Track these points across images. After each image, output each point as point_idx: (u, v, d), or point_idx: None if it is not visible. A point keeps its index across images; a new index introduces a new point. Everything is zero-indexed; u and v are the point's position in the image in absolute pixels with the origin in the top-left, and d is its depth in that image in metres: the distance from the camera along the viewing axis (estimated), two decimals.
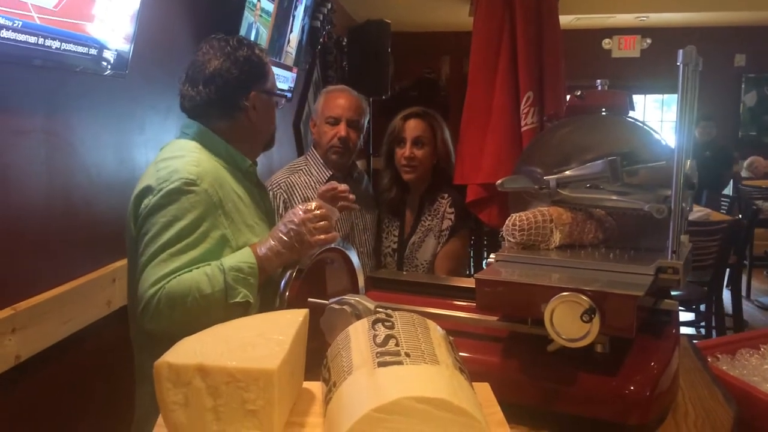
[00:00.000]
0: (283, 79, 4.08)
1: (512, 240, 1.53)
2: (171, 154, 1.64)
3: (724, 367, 1.92)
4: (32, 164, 1.89)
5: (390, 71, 6.43)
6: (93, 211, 2.11)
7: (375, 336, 1.18)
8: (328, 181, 2.42)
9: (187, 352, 1.06)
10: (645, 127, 1.58)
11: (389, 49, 5.94)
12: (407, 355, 1.12)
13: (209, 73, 1.66)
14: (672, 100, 7.98)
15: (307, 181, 2.41)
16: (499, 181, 1.63)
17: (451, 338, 1.25)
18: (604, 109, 1.62)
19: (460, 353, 1.32)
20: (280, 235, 1.57)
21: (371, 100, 6.06)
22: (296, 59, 4.27)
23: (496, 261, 1.48)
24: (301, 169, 2.45)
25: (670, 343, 1.45)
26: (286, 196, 2.34)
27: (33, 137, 1.90)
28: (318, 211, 1.59)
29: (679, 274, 1.36)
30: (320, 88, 5.33)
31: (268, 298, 1.59)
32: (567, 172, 1.59)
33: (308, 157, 2.48)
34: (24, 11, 1.71)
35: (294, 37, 4.16)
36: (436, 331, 1.22)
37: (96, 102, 2.20)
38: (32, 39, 1.75)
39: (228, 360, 1.03)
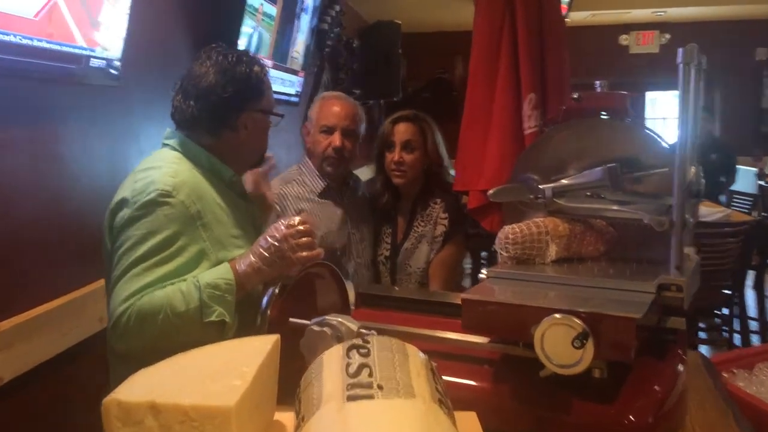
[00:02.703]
0: (289, 84, 4.01)
1: (505, 254, 1.44)
2: (149, 164, 1.58)
3: (740, 384, 1.80)
4: (18, 177, 1.83)
5: (402, 72, 6.36)
6: (83, 225, 2.04)
7: (348, 365, 1.10)
8: (323, 191, 2.34)
9: (140, 387, 0.98)
10: (647, 131, 1.48)
11: (400, 50, 5.87)
12: (380, 387, 1.04)
13: (203, 88, 1.59)
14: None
15: (300, 191, 2.33)
16: (490, 191, 1.53)
17: (434, 364, 1.16)
18: (603, 113, 1.52)
19: (446, 377, 1.23)
20: (261, 250, 1.49)
21: (382, 101, 6.02)
22: (303, 63, 4.21)
23: (488, 277, 1.39)
24: (295, 180, 2.36)
25: (676, 365, 1.35)
26: (278, 208, 2.26)
27: (20, 149, 1.85)
28: (301, 227, 1.50)
29: (683, 292, 1.25)
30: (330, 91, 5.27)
31: (249, 316, 1.51)
32: (564, 181, 1.49)
33: (301, 167, 2.40)
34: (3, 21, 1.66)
35: (300, 40, 4.09)
36: (417, 357, 1.14)
37: (87, 112, 2.14)
38: (14, 49, 1.70)
39: (183, 396, 0.95)
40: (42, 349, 1.85)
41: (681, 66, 1.20)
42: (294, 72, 4.08)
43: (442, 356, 1.36)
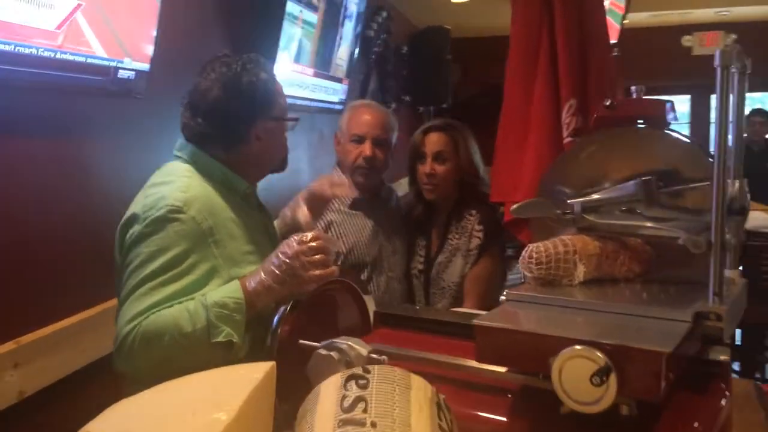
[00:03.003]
0: (332, 92, 3.97)
1: (528, 274, 1.33)
2: (160, 179, 1.54)
3: None
4: (39, 191, 1.83)
5: (454, 79, 6.25)
6: (107, 240, 2.02)
7: (344, 397, 1.02)
8: (353, 202, 2.27)
9: (116, 420, 0.93)
10: (688, 141, 1.35)
11: (449, 56, 5.77)
12: (373, 425, 0.96)
13: (210, 103, 1.54)
14: (765, 98, 7.41)
15: (330, 203, 2.26)
16: (513, 206, 1.43)
17: (442, 397, 1.07)
18: (639, 121, 1.39)
19: (460, 408, 1.14)
20: (272, 268, 1.43)
21: (432, 108, 5.92)
22: (348, 70, 4.15)
23: (507, 300, 1.28)
24: None
25: (718, 399, 1.21)
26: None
27: (46, 163, 1.85)
28: (313, 243, 1.43)
29: (722, 321, 1.12)
30: (377, 99, 5.21)
31: (261, 336, 1.44)
32: (594, 195, 1.37)
33: None
34: (27, 35, 1.65)
35: (344, 47, 4.03)
36: (421, 390, 1.05)
37: (115, 124, 2.13)
38: (35, 62, 1.69)
39: None
40: (62, 364, 1.83)
41: (719, 70, 1.07)
42: (337, 80, 4.03)
43: (458, 384, 1.27)
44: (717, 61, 1.07)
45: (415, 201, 2.41)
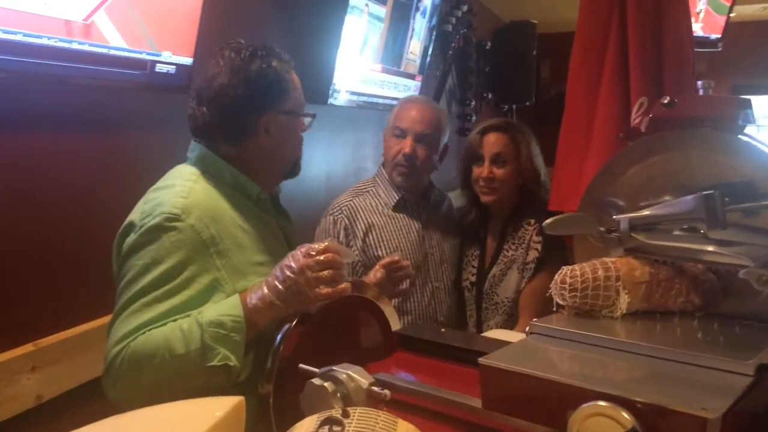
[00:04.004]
0: (404, 88, 3.81)
1: (561, 302, 1.13)
2: (163, 183, 1.43)
3: None
4: (66, 189, 1.77)
5: (539, 75, 5.96)
6: None
7: None
8: (397, 204, 2.10)
9: None
10: (764, 148, 1.10)
11: (535, 52, 5.49)
12: None
13: (215, 90, 1.42)
14: None
15: (373, 204, 2.11)
16: (546, 222, 1.22)
17: None
18: (704, 122, 1.15)
19: None
20: (276, 283, 1.28)
21: (515, 107, 5.66)
22: (421, 66, 3.99)
23: (531, 333, 1.08)
24: (368, 191, 2.15)
25: None
26: (347, 222, 2.05)
27: (74, 160, 1.79)
28: (321, 257, 1.27)
29: None
30: (455, 97, 5.01)
31: (263, 356, 1.31)
32: (645, 211, 1.14)
33: (377, 178, 2.18)
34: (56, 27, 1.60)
35: (416, 42, 3.87)
36: None
37: (153, 120, 2.06)
38: (65, 55, 1.64)
39: None
40: (82, 369, 1.76)
41: None
42: (410, 76, 3.88)
43: (467, 427, 1.09)
44: None
45: (469, 207, 2.23)
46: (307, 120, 1.54)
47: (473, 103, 5.19)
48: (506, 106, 5.72)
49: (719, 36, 5.03)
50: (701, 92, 1.17)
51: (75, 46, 1.67)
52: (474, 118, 5.09)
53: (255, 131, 1.43)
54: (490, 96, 5.47)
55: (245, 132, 1.43)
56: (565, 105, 2.04)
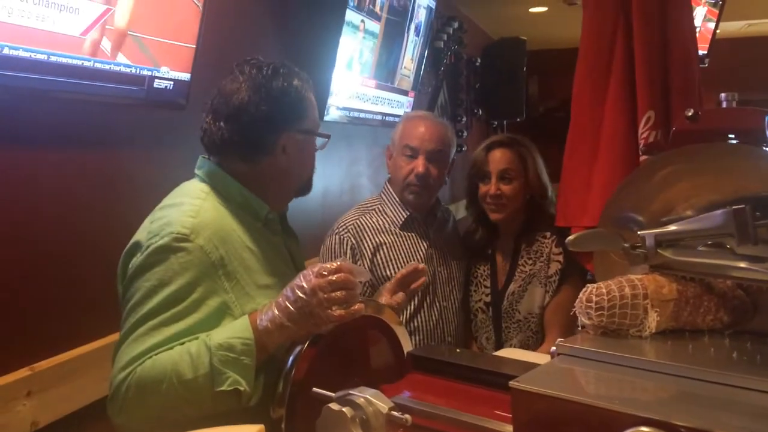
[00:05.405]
0: (397, 104, 3.80)
1: (587, 321, 1.09)
2: (170, 200, 1.39)
3: None
4: (62, 206, 1.73)
5: (528, 91, 6.00)
6: None
7: None
8: (405, 222, 2.07)
9: None
10: None
11: (525, 69, 5.51)
12: None
13: (235, 106, 1.37)
14: None
15: (380, 222, 2.07)
16: (568, 238, 1.19)
17: None
18: (730, 135, 1.13)
19: None
20: (287, 304, 1.23)
21: (505, 123, 5.67)
22: (414, 82, 3.98)
23: (558, 354, 1.04)
24: (374, 209, 2.11)
25: None
26: (354, 241, 2.01)
27: (71, 177, 1.75)
28: (334, 277, 1.22)
29: None
30: (446, 113, 5.00)
31: (274, 379, 1.26)
32: (671, 227, 1.11)
33: (383, 195, 2.14)
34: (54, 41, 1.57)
35: (409, 58, 3.86)
36: None
37: (151, 137, 2.02)
38: (63, 70, 1.60)
39: None
40: (79, 393, 1.70)
41: None
42: (403, 92, 3.86)
43: None
44: None
45: (475, 225, 2.20)
46: (319, 141, 1.50)
47: (464, 119, 5.19)
48: (496, 122, 5.74)
49: (705, 52, 5.10)
50: (724, 104, 1.15)
51: (73, 61, 1.63)
52: (465, 134, 5.09)
53: (272, 150, 1.40)
54: (480, 112, 5.49)
55: (262, 150, 1.39)
56: (570, 121, 2.02)
